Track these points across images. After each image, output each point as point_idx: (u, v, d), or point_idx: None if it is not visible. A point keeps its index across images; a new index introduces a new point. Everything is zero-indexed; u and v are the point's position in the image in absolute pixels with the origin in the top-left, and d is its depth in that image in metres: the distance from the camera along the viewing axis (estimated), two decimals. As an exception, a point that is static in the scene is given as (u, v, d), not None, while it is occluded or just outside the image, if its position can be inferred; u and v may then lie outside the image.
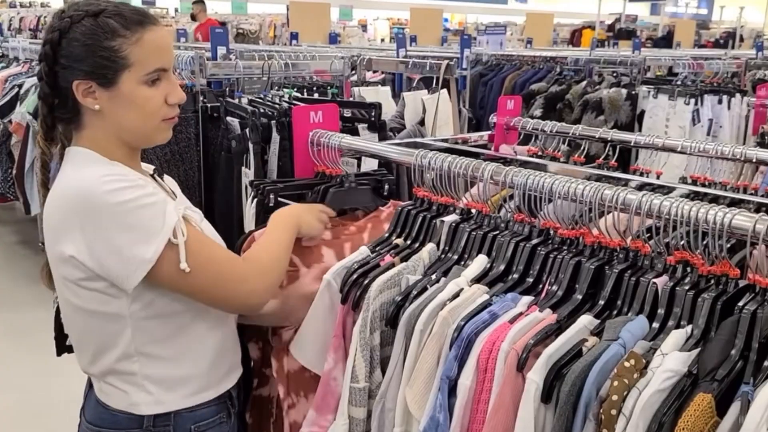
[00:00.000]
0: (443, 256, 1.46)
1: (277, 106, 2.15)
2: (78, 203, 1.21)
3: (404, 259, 1.46)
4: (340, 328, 1.43)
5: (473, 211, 1.50)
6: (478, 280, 1.35)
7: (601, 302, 1.21)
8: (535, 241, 1.34)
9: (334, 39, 9.52)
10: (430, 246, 1.46)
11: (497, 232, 1.41)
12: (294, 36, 9.02)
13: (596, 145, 2.46)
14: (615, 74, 4.23)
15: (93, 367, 1.35)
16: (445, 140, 2.19)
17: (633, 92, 3.72)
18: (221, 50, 3.11)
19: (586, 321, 1.16)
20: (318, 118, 1.86)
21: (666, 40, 13.56)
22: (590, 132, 2.07)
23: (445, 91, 2.72)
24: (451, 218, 1.49)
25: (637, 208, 1.21)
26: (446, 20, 15.09)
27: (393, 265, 1.44)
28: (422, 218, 1.53)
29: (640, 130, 3.68)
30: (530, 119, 2.23)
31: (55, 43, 1.27)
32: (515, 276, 1.33)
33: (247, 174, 2.04)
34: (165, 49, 1.32)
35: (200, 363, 1.36)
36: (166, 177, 1.52)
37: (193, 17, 10.76)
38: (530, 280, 1.31)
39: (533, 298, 1.27)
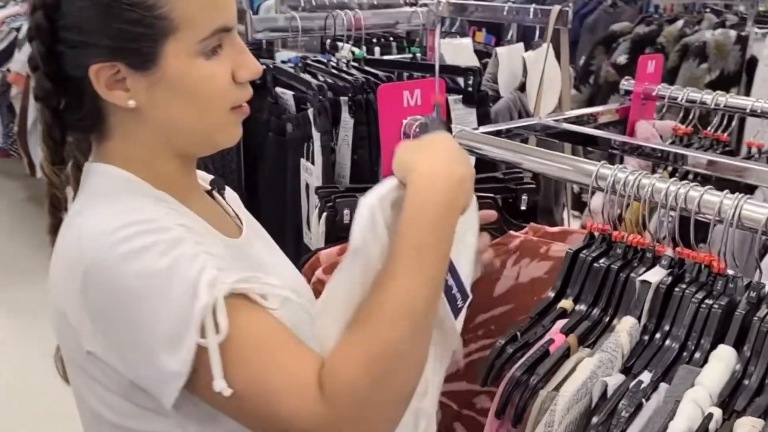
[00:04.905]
0: (645, 338, 0.95)
1: (348, 76, 1.58)
2: (81, 273, 0.74)
3: (582, 340, 0.96)
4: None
5: (686, 262, 0.97)
6: (729, 396, 0.84)
7: None
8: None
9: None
10: (629, 323, 0.95)
11: (748, 309, 0.89)
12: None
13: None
14: (714, 9, 3.55)
15: None
16: (566, 119, 1.64)
17: (742, 33, 3.11)
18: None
19: None
20: (415, 100, 1.32)
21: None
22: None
23: (549, 45, 2.15)
24: (656, 276, 0.97)
25: None
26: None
27: (569, 350, 0.94)
28: (605, 271, 1.01)
29: (749, 81, 3.09)
30: (680, 89, 1.67)
31: (51, 6, 0.79)
32: (800, 398, 0.82)
33: (310, 170, 1.52)
34: None
35: None
36: (228, 191, 1.02)
37: None
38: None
39: None
